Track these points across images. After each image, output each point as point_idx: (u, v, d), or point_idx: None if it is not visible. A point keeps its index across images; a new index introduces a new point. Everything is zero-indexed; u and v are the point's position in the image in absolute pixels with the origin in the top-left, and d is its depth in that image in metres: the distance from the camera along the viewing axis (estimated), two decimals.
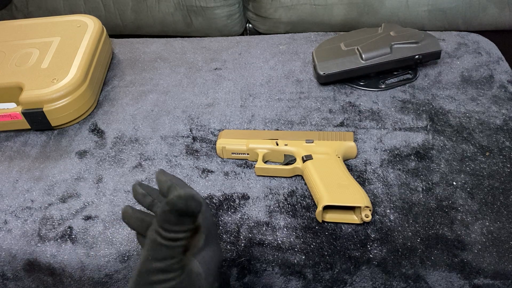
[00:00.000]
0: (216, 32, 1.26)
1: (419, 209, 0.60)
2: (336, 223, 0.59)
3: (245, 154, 0.68)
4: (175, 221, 0.36)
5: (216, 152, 0.70)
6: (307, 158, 0.64)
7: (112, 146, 0.73)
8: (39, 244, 0.61)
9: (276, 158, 0.68)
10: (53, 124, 0.75)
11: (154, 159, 0.71)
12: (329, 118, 0.75)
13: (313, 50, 0.83)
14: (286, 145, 0.67)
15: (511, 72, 0.80)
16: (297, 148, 0.66)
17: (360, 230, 0.59)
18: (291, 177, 0.66)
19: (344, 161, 0.66)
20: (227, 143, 0.68)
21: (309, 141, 0.67)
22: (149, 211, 0.44)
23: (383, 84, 0.79)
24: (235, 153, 0.69)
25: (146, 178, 0.68)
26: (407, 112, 0.74)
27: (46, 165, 0.71)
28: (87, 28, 0.87)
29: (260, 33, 1.28)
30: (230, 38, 0.97)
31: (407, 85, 0.79)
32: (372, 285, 0.56)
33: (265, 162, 0.69)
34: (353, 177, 0.64)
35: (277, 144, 0.67)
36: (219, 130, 0.74)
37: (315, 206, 0.62)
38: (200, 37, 0.99)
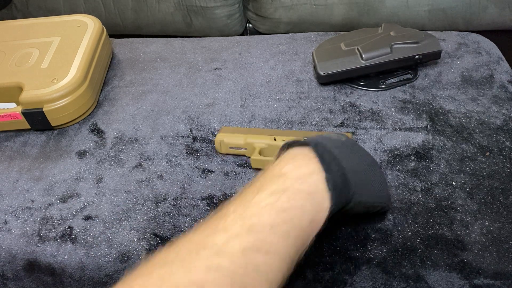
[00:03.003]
0: (216, 32, 1.26)
1: (418, 209, 0.60)
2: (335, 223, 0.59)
3: (243, 148, 0.68)
4: None
5: (215, 147, 0.70)
6: None
7: (112, 146, 0.73)
8: (39, 244, 0.61)
9: (273, 153, 0.68)
10: (53, 124, 0.75)
11: (154, 159, 0.71)
12: (329, 118, 0.75)
13: (313, 50, 0.83)
14: (284, 141, 0.67)
15: (511, 72, 0.80)
16: None
17: (360, 230, 0.59)
18: None
19: None
20: (226, 136, 0.68)
21: None
22: None
23: (383, 84, 0.79)
24: (233, 147, 0.68)
25: (146, 178, 0.68)
26: (407, 112, 0.74)
27: (46, 165, 0.71)
28: (87, 28, 0.87)
29: (260, 33, 1.28)
30: (230, 38, 0.97)
31: (407, 85, 0.79)
32: (372, 285, 0.56)
33: None
34: None
35: (275, 140, 0.67)
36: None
37: None
38: (200, 37, 0.99)
